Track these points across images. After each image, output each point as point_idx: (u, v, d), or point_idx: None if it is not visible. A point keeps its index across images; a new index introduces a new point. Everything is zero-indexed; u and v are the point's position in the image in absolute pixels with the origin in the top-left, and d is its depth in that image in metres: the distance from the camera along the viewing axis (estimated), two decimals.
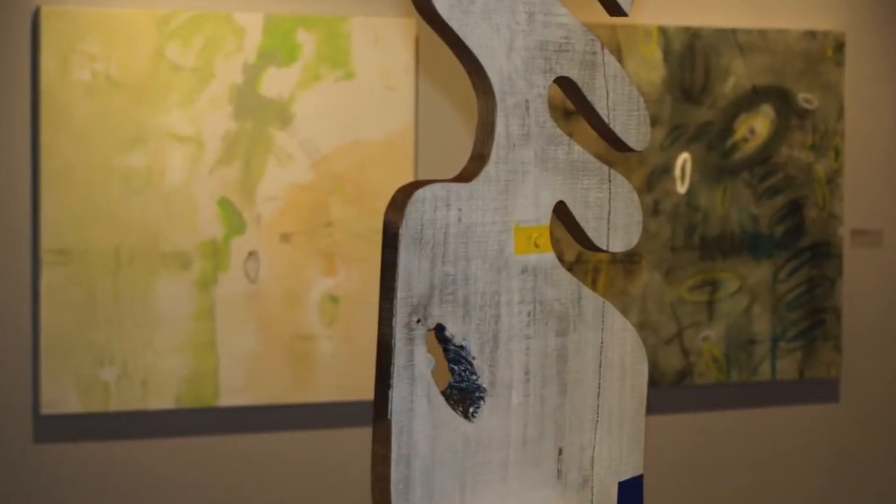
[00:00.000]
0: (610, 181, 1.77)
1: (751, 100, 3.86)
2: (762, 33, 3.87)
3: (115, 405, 3.26)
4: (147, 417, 3.31)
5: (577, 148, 1.71)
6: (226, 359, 3.35)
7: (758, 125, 3.87)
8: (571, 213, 1.76)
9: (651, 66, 3.75)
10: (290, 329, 3.40)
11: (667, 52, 3.77)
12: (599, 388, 1.78)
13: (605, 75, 1.78)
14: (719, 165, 3.83)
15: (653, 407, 3.68)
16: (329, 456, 3.48)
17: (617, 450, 1.79)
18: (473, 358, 1.63)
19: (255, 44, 3.37)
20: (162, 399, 3.30)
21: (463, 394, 1.63)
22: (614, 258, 3.71)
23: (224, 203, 3.36)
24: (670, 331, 3.78)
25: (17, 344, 3.23)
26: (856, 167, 3.98)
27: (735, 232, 3.85)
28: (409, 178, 3.50)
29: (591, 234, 1.76)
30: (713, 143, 3.82)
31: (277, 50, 3.39)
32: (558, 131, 1.69)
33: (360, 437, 3.49)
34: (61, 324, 3.21)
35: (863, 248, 4.03)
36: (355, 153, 3.47)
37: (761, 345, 3.87)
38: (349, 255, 3.46)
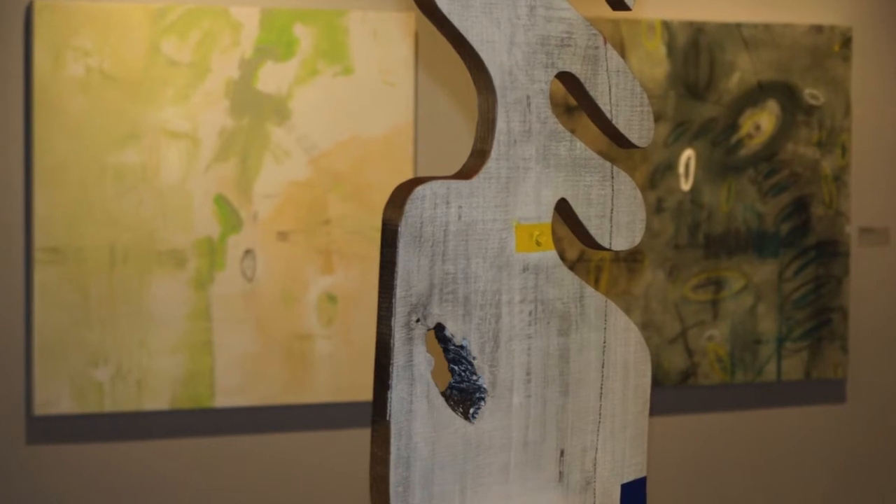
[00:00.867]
0: (613, 178, 1.77)
1: (756, 95, 3.86)
2: (767, 28, 3.87)
3: (109, 406, 3.26)
4: (142, 418, 3.31)
5: (579, 144, 1.71)
6: (222, 359, 3.35)
7: (763, 121, 3.87)
8: (573, 211, 1.76)
9: (654, 62, 3.75)
10: (288, 329, 3.40)
11: (670, 47, 3.77)
12: (602, 388, 1.78)
13: (607, 70, 1.79)
14: (724, 162, 3.83)
15: (656, 408, 3.69)
16: (327, 458, 3.48)
17: (620, 451, 1.80)
18: (474, 358, 1.63)
19: (252, 38, 3.37)
20: (157, 400, 3.30)
21: (463, 394, 1.63)
22: (617, 256, 3.71)
23: (220, 200, 3.36)
24: (674, 330, 3.78)
25: (10, 344, 3.23)
26: (863, 164, 3.98)
27: (740, 230, 3.85)
28: (409, 175, 3.49)
29: (593, 232, 1.76)
30: (717, 140, 3.82)
31: (274, 45, 3.39)
32: (560, 127, 1.69)
33: (359, 439, 3.49)
34: (55, 323, 3.22)
35: (870, 247, 4.03)
36: (354, 150, 3.47)
37: (767, 345, 3.87)
38: (347, 254, 3.46)
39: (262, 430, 3.43)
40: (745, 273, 3.85)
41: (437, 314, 1.58)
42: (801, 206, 3.91)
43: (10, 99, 3.22)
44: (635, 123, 1.82)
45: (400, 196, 1.56)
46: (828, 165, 3.93)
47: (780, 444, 3.96)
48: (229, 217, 3.37)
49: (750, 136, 3.86)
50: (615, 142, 1.83)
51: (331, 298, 3.44)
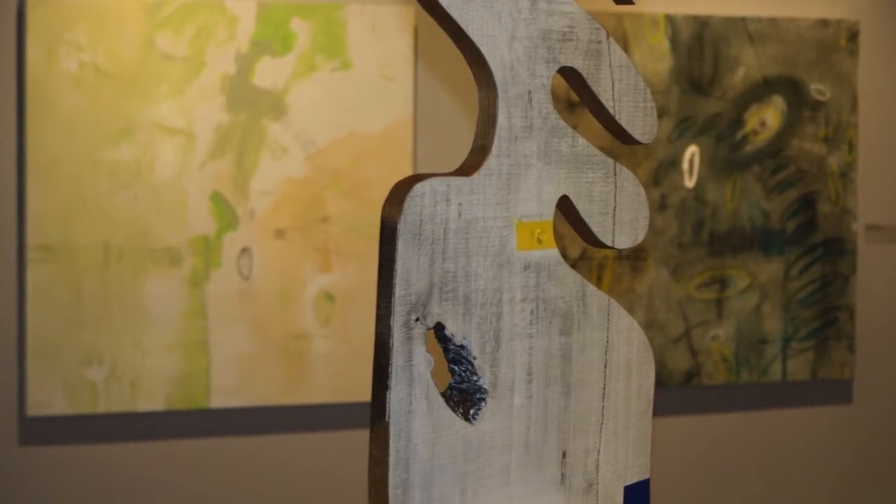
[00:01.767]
0: (615, 175, 1.78)
1: (761, 91, 3.86)
2: (773, 22, 3.87)
3: (103, 407, 3.26)
4: (136, 419, 3.32)
5: (581, 141, 1.71)
6: (218, 359, 3.35)
7: (768, 117, 3.87)
8: (575, 208, 1.76)
9: (658, 56, 3.75)
10: (285, 328, 3.40)
11: (674, 42, 3.77)
12: (605, 389, 1.78)
13: (610, 65, 1.79)
14: (728, 159, 3.83)
15: (660, 408, 3.69)
16: (324, 459, 3.48)
17: (623, 453, 1.80)
18: (474, 358, 1.63)
19: (249, 33, 3.37)
20: (152, 400, 3.30)
21: (463, 395, 1.63)
22: (620, 255, 3.71)
23: (216, 198, 3.36)
24: (678, 330, 3.78)
25: (2, 344, 3.23)
26: (870, 160, 3.98)
27: (745, 227, 3.85)
28: (408, 172, 3.50)
29: (595, 229, 1.77)
30: (722, 136, 3.82)
31: (271, 39, 3.39)
32: (562, 123, 1.69)
33: (357, 440, 3.49)
34: (48, 323, 3.22)
35: (877, 244, 4.03)
36: (352, 146, 3.47)
37: (772, 344, 3.87)
38: (345, 252, 3.46)
39: (258, 431, 3.43)
40: (751, 271, 3.86)
41: (436, 313, 1.58)
42: (807, 204, 3.91)
43: (3, 94, 3.22)
44: (638, 119, 1.82)
45: (399, 193, 1.56)
46: (834, 162, 3.93)
47: (785, 445, 3.96)
48: (225, 214, 3.37)
49: (755, 133, 3.86)
50: (618, 138, 1.83)
51: (328, 297, 3.44)
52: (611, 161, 1.77)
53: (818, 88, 3.92)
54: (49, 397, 3.23)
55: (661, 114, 3.73)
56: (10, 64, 3.22)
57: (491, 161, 1.61)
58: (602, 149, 1.70)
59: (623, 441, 1.80)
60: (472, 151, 1.65)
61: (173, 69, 3.31)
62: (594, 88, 1.78)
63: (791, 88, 3.88)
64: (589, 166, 1.75)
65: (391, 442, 1.52)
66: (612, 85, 1.80)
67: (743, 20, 3.84)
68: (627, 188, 1.79)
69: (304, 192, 3.43)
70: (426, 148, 3.56)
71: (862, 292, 3.99)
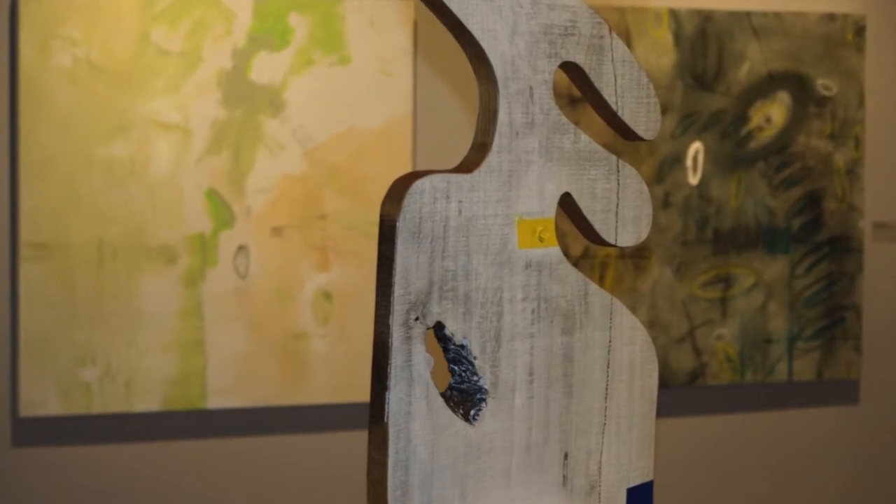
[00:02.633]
0: (618, 172, 1.77)
1: (766, 86, 3.86)
2: (778, 16, 3.86)
3: (97, 407, 3.26)
4: (131, 420, 3.31)
5: (583, 137, 1.71)
6: (214, 359, 3.35)
7: (774, 113, 3.87)
8: (578, 206, 1.76)
9: (661, 51, 3.75)
10: (282, 327, 3.40)
11: (678, 36, 3.76)
12: (607, 389, 1.78)
13: (612, 60, 1.78)
14: (733, 155, 3.82)
15: (664, 409, 3.68)
16: (323, 460, 3.48)
17: (626, 454, 1.79)
18: (474, 358, 1.63)
19: (245, 27, 3.37)
20: (147, 401, 3.29)
21: (463, 395, 1.63)
22: (623, 253, 3.70)
23: (212, 195, 3.36)
24: (682, 329, 3.78)
25: None
26: (877, 157, 3.98)
27: (750, 225, 3.84)
28: (407, 169, 3.49)
29: (598, 227, 1.76)
30: (726, 132, 3.82)
31: (268, 34, 3.39)
32: (564, 119, 1.69)
33: (356, 441, 3.49)
34: (41, 322, 3.21)
35: (884, 242, 4.02)
36: (350, 142, 3.46)
37: (777, 344, 3.87)
38: (343, 250, 3.45)
39: (256, 431, 3.43)
40: (755, 270, 3.85)
41: (436, 312, 1.57)
42: (813, 201, 3.90)
43: None
44: (641, 115, 1.82)
45: (398, 190, 1.56)
46: (841, 158, 3.93)
47: (791, 446, 3.96)
48: (221, 212, 3.36)
49: (760, 129, 3.86)
50: (621, 134, 1.83)
51: (326, 296, 3.44)
52: (613, 158, 1.77)
53: (825, 83, 3.91)
54: (42, 397, 3.22)
55: (665, 109, 3.73)
56: (3, 59, 3.22)
57: (492, 158, 1.60)
58: (605, 145, 1.70)
59: (626, 442, 1.79)
60: (472, 148, 1.65)
61: (169, 64, 3.31)
62: (596, 84, 1.77)
63: (797, 84, 3.88)
64: (591, 163, 1.74)
65: (390, 443, 1.52)
66: (615, 80, 1.80)
67: (748, 14, 3.83)
68: (630, 185, 1.78)
69: (302, 189, 3.42)
70: (426, 144, 3.56)
71: (868, 291, 3.98)
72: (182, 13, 3.31)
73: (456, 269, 1.58)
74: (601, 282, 3.68)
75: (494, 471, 1.63)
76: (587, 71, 1.75)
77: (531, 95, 1.67)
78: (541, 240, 1.66)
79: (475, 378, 1.62)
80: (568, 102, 3.64)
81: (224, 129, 3.36)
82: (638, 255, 3.73)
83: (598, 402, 1.76)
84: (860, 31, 3.95)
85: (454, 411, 1.59)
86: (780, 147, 3.87)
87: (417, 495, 1.54)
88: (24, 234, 3.20)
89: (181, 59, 3.32)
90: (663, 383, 3.76)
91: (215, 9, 3.32)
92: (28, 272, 3.21)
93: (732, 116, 3.82)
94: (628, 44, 3.70)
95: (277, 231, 3.41)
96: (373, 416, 1.55)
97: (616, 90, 1.79)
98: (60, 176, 3.22)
